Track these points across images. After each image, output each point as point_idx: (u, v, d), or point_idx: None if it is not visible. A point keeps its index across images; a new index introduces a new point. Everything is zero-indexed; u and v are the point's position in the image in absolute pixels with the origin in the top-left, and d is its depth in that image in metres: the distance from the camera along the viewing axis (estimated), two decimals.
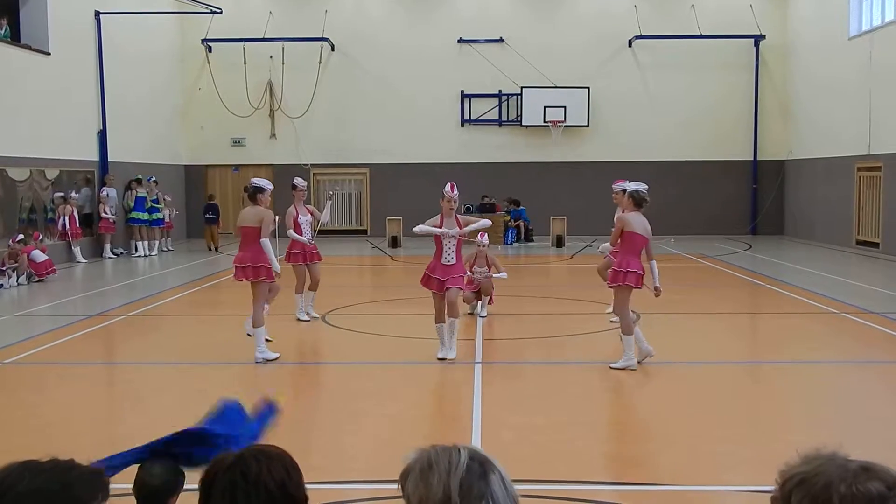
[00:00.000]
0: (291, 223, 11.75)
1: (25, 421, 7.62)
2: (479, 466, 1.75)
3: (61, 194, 20.25)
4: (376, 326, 11.89)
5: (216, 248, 23.26)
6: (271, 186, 10.05)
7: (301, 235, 11.88)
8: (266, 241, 9.65)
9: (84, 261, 20.46)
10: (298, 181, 12.57)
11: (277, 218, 11.23)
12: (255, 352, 9.72)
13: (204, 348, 10.85)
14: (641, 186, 9.51)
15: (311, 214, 12.34)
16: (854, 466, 1.73)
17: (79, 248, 20.59)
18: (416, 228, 9.82)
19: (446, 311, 9.48)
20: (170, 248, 23.93)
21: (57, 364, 10.01)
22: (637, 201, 9.39)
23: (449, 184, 9.81)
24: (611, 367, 9.16)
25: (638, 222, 9.30)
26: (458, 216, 9.68)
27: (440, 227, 9.61)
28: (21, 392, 8.77)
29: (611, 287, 9.49)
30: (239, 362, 9.77)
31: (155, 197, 23.11)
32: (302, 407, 8.42)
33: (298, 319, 12.07)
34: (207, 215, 24.11)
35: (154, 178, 23.39)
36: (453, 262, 9.54)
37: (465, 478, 1.72)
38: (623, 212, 9.72)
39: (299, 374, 9.78)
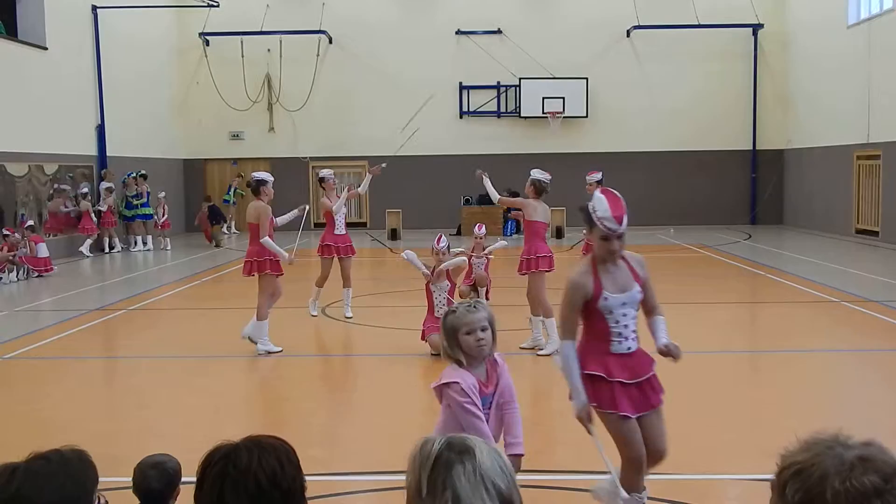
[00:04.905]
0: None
1: (26, 416, 7.63)
2: (451, 455, 1.70)
3: (65, 187, 20.46)
4: (376, 319, 11.89)
5: (218, 244, 22.91)
6: (272, 178, 10.05)
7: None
8: (266, 240, 9.63)
9: (90, 255, 20.69)
10: (327, 173, 12.03)
11: (307, 207, 11.28)
12: (258, 344, 9.76)
13: (205, 342, 10.86)
14: (544, 175, 9.63)
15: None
16: (851, 457, 1.70)
17: (89, 242, 20.94)
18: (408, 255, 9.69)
19: None
20: (165, 247, 22.97)
21: (58, 359, 10.02)
22: (538, 189, 9.52)
23: (437, 236, 9.81)
24: (538, 354, 9.29)
25: (541, 210, 9.51)
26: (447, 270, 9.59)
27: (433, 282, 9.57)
28: (22, 387, 8.78)
29: (523, 275, 9.57)
30: (240, 356, 9.77)
31: (136, 192, 22.71)
32: (302, 399, 8.43)
33: (312, 315, 12.01)
34: (216, 218, 23.70)
35: (133, 175, 22.88)
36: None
37: (432, 471, 1.70)
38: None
39: (299, 366, 9.78)
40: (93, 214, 21.00)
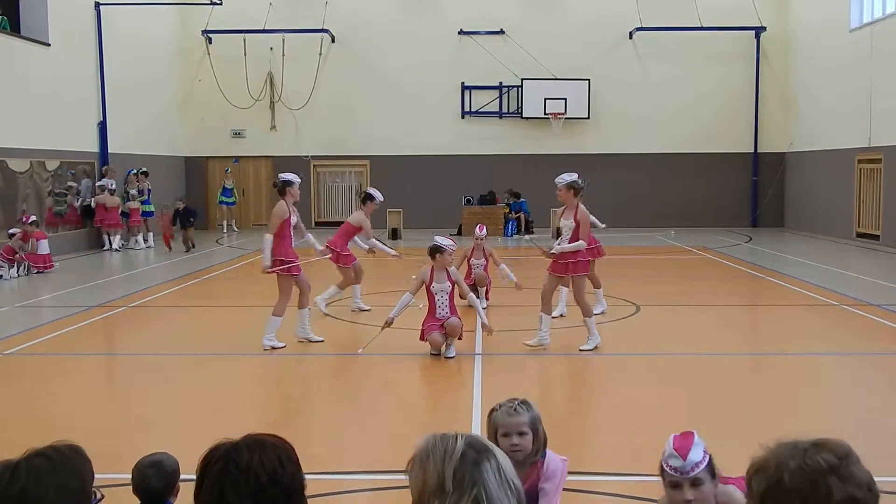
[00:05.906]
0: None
1: (26, 412, 7.63)
2: (476, 454, 1.75)
3: (73, 184, 20.62)
4: (376, 318, 11.87)
5: (192, 246, 21.29)
6: (299, 179, 10.21)
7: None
8: (267, 237, 9.82)
9: (118, 249, 21.38)
10: (377, 194, 12.60)
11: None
12: (263, 338, 9.88)
13: (205, 340, 10.87)
14: (574, 176, 9.74)
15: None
16: (805, 444, 1.78)
17: (118, 236, 21.62)
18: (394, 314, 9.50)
19: (447, 336, 9.49)
20: (138, 244, 22.23)
21: (57, 355, 10.02)
22: (577, 192, 9.63)
23: (449, 239, 9.83)
24: (581, 349, 9.62)
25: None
26: (449, 270, 9.58)
27: (430, 282, 9.56)
28: (21, 383, 8.78)
29: (560, 276, 9.93)
30: (239, 353, 9.78)
31: (136, 189, 22.56)
32: (302, 397, 8.43)
33: (325, 314, 12.04)
34: (191, 220, 21.68)
35: (134, 171, 22.71)
36: (448, 315, 9.52)
37: (458, 466, 1.73)
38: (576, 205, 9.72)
39: (300, 364, 9.78)
40: (121, 210, 21.45)
